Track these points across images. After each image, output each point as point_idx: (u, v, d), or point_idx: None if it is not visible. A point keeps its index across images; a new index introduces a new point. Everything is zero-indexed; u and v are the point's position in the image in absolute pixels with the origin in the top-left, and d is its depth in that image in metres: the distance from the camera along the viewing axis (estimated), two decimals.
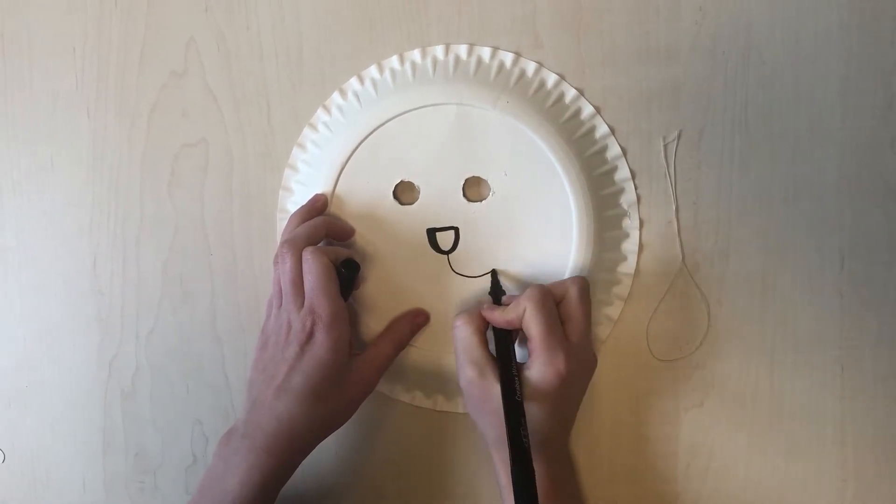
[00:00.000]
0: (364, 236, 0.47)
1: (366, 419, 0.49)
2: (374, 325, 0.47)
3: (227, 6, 0.50)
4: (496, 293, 0.46)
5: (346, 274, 0.44)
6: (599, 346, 0.48)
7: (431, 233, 0.47)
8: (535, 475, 0.38)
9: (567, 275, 0.46)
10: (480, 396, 0.42)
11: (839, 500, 0.47)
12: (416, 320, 0.47)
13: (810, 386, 0.47)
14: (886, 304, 0.46)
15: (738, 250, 0.47)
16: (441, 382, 0.48)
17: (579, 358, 0.42)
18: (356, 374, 0.43)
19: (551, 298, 0.42)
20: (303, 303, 0.42)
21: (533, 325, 0.41)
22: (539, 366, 0.41)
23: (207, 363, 0.51)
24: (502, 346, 0.43)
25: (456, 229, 0.47)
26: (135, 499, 0.52)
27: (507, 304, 0.44)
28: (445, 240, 0.47)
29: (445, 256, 0.47)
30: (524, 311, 0.41)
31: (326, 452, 0.50)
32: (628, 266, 0.47)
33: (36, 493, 0.53)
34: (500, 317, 0.43)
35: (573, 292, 0.43)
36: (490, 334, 0.44)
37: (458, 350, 0.43)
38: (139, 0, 0.50)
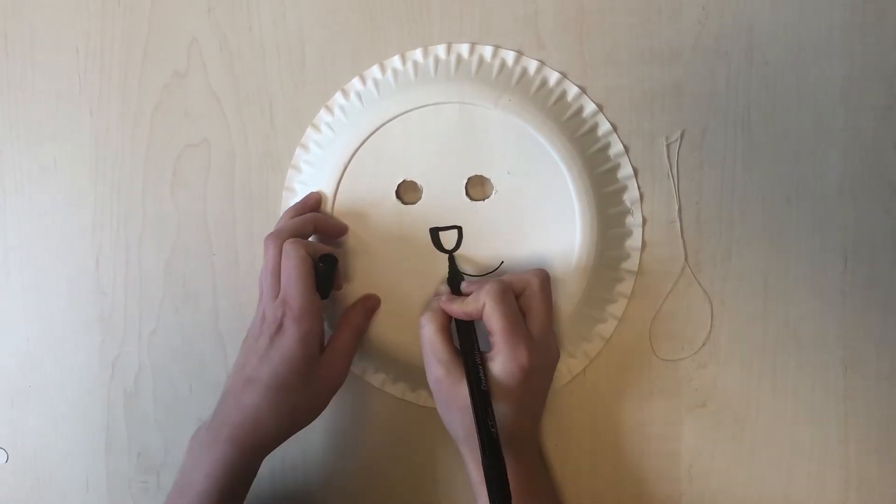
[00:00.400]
0: (367, 236, 0.47)
1: (371, 418, 0.50)
2: (377, 324, 0.47)
3: (229, 7, 0.50)
4: (454, 280, 0.46)
5: (324, 268, 0.44)
6: (604, 345, 0.48)
7: (434, 232, 0.47)
8: (505, 463, 0.38)
9: (571, 272, 0.46)
10: (448, 394, 0.42)
11: (842, 501, 0.47)
12: (368, 304, 0.47)
13: (813, 386, 0.47)
14: (889, 303, 0.46)
15: (741, 250, 0.47)
16: None
17: (542, 351, 0.42)
18: (324, 367, 0.43)
19: (511, 292, 0.42)
20: (279, 294, 0.42)
21: (494, 321, 0.41)
22: (502, 360, 0.41)
23: (210, 363, 0.51)
24: (464, 337, 0.43)
25: (459, 228, 0.47)
26: (137, 498, 0.52)
27: (467, 293, 0.44)
28: (448, 239, 0.47)
29: (449, 255, 0.47)
30: (483, 305, 0.41)
31: (332, 451, 0.50)
32: (631, 263, 0.47)
33: (39, 493, 0.53)
34: (459, 308, 0.43)
35: (535, 284, 0.43)
36: (453, 325, 0.44)
37: (425, 349, 0.43)
38: (142, 0, 0.50)
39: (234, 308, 0.50)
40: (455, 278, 0.46)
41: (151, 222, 0.51)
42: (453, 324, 0.44)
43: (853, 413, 0.47)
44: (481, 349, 0.43)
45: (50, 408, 0.52)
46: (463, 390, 0.41)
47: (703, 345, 0.47)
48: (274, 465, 0.50)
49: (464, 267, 0.47)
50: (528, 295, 0.43)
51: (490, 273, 0.47)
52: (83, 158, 0.51)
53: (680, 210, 0.47)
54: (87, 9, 0.51)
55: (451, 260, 0.47)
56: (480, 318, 0.42)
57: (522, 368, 0.41)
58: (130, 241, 0.51)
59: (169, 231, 0.51)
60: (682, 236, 0.47)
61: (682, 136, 0.47)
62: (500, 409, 0.41)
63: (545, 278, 0.43)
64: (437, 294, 0.46)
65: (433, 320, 0.43)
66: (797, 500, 0.47)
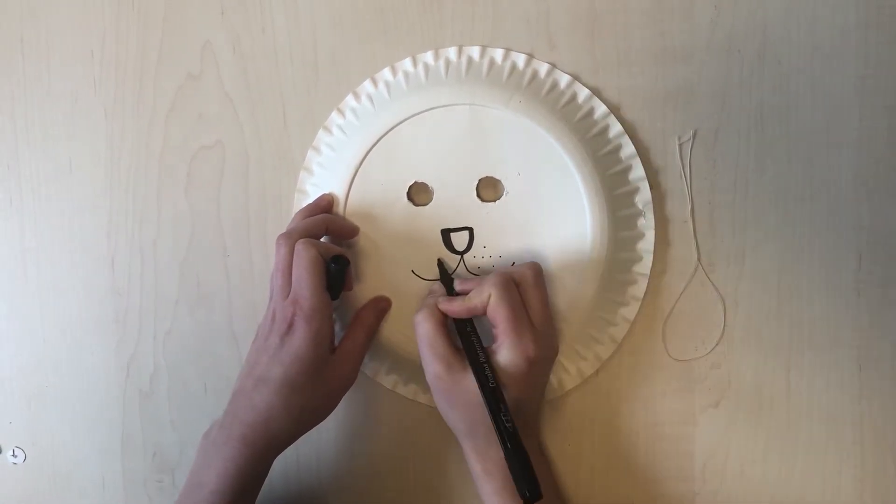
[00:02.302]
0: (378, 237, 0.48)
1: (383, 419, 0.50)
2: (389, 326, 0.47)
3: (242, 9, 0.50)
4: (447, 282, 0.46)
5: (336, 269, 0.44)
6: (616, 348, 0.48)
7: (446, 233, 0.47)
8: (528, 455, 0.38)
9: (582, 275, 0.46)
10: (450, 390, 0.42)
11: (857, 501, 0.47)
12: (380, 305, 0.47)
13: (827, 385, 0.47)
14: None
15: (755, 250, 0.47)
16: None
17: (544, 342, 0.42)
18: (334, 367, 0.44)
19: (514, 283, 0.42)
20: (290, 293, 0.43)
21: (500, 312, 0.41)
22: (508, 350, 0.41)
23: (224, 363, 0.51)
24: (466, 336, 0.43)
25: (470, 230, 0.47)
26: (153, 497, 0.52)
27: (463, 291, 0.44)
28: (460, 240, 0.47)
29: (460, 257, 0.47)
30: (489, 297, 0.41)
31: (345, 452, 0.50)
32: (644, 266, 0.47)
33: (56, 492, 0.53)
34: (461, 307, 0.43)
35: (529, 277, 0.43)
36: (451, 324, 0.44)
37: (423, 346, 0.43)
38: (156, 4, 0.51)
39: (248, 308, 0.51)
40: (447, 279, 0.46)
41: (166, 223, 0.51)
42: (450, 322, 0.44)
43: (868, 412, 0.46)
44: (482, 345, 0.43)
45: (66, 408, 0.53)
46: (465, 385, 0.41)
47: (717, 345, 0.47)
48: (287, 465, 0.50)
49: (475, 268, 0.47)
50: (523, 288, 0.43)
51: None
52: (98, 160, 0.52)
53: (693, 210, 0.47)
54: (102, 12, 0.51)
55: (441, 264, 0.47)
56: (484, 314, 0.42)
57: (528, 358, 0.41)
58: (145, 243, 0.51)
59: (183, 232, 0.51)
60: (695, 236, 0.47)
61: (694, 136, 0.47)
62: (508, 399, 0.41)
63: (538, 270, 0.43)
64: (431, 292, 0.46)
65: (429, 317, 0.43)
66: (812, 500, 0.47)
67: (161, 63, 0.51)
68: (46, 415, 0.53)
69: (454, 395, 0.42)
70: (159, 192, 0.51)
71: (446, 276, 0.46)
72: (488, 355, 0.42)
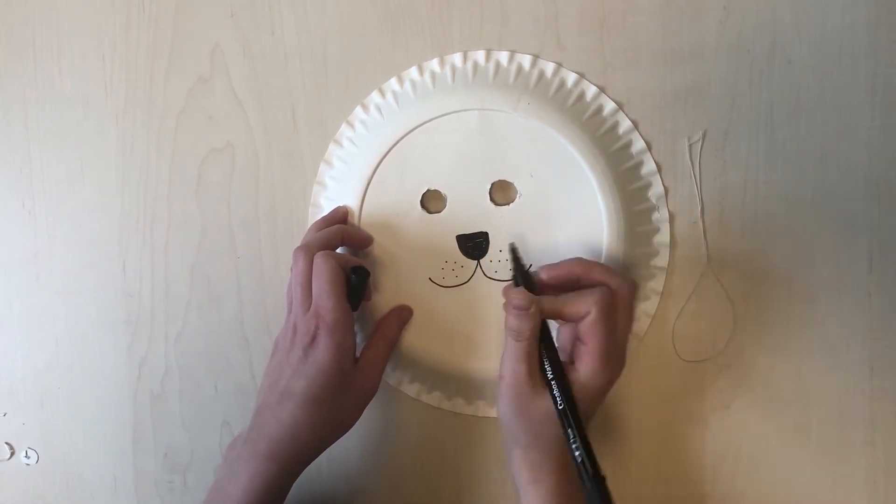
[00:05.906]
0: (394, 247, 0.47)
1: (410, 428, 0.50)
2: (411, 334, 0.47)
3: (251, 12, 0.50)
4: (522, 273, 0.43)
5: (356, 280, 0.44)
6: (638, 344, 0.47)
7: (461, 239, 0.47)
8: (609, 490, 0.38)
9: None
10: (523, 398, 0.40)
11: (870, 502, 0.46)
12: (402, 314, 0.47)
13: (838, 387, 0.46)
14: None
15: (765, 251, 0.47)
16: (480, 388, 0.48)
17: (622, 363, 0.42)
18: (358, 378, 0.43)
19: (615, 305, 0.40)
20: (310, 306, 0.42)
21: (596, 333, 0.39)
22: (593, 373, 0.40)
23: (235, 364, 0.51)
24: (551, 349, 0.41)
25: (485, 234, 0.47)
26: (164, 498, 0.52)
27: (553, 280, 0.41)
28: (476, 246, 0.47)
29: (476, 262, 0.47)
30: (587, 314, 0.39)
31: (370, 461, 0.50)
32: (661, 260, 0.47)
33: (69, 493, 0.53)
34: (551, 307, 0.40)
35: (626, 297, 0.41)
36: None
37: (518, 349, 0.41)
38: (166, 7, 0.51)
39: (258, 310, 0.51)
40: (520, 270, 0.43)
41: (177, 226, 0.51)
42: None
43: (880, 414, 0.46)
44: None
45: (78, 409, 0.53)
46: (541, 401, 0.40)
47: (727, 346, 0.47)
48: (314, 475, 0.49)
49: (492, 272, 0.47)
50: (617, 305, 0.41)
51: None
52: (109, 163, 0.52)
53: (702, 211, 0.47)
54: (113, 16, 0.51)
55: (514, 251, 0.44)
56: (568, 321, 0.41)
57: (610, 382, 0.41)
58: (156, 245, 0.52)
59: (194, 234, 0.51)
60: (705, 237, 0.47)
61: (703, 137, 0.47)
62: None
63: (635, 290, 0.42)
64: (507, 300, 0.42)
65: (533, 318, 0.40)
66: (823, 502, 0.47)
67: (171, 66, 0.51)
68: (59, 416, 0.53)
69: (526, 406, 0.40)
70: (170, 195, 0.51)
71: (519, 265, 0.43)
72: (565, 371, 0.40)
